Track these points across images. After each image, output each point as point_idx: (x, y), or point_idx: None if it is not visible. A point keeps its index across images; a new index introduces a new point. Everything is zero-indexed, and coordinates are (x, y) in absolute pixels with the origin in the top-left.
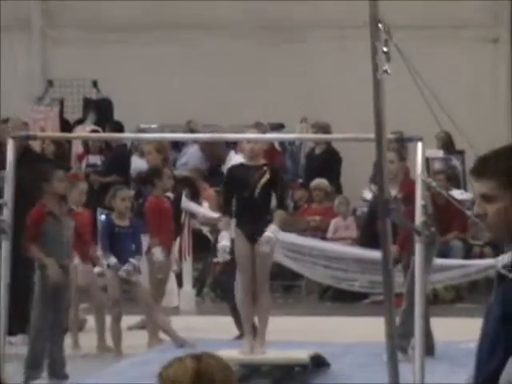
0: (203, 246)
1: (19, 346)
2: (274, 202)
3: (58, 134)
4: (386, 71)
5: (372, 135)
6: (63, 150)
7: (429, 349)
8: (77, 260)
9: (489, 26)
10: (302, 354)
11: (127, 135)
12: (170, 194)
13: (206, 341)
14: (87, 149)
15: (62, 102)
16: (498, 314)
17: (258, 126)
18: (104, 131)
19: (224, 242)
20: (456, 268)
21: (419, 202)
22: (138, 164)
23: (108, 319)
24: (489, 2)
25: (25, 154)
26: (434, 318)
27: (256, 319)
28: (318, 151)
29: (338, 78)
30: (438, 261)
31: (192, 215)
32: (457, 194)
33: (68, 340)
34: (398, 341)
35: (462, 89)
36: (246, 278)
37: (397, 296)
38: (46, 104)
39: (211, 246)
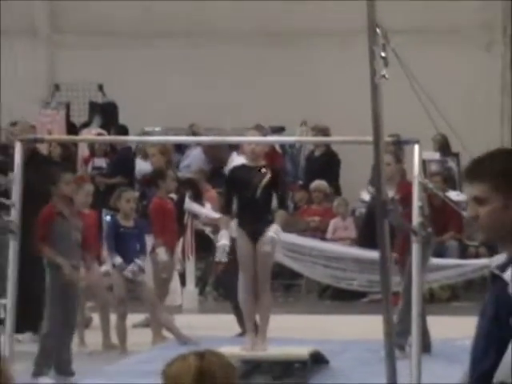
0: (206, 246)
1: (27, 343)
2: (274, 202)
3: (65, 137)
4: (383, 76)
5: (370, 138)
6: (69, 152)
7: (425, 346)
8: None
9: (483, 32)
10: (302, 351)
11: (132, 138)
12: (173, 196)
13: (208, 338)
14: (93, 152)
15: (68, 106)
16: (492, 314)
17: (259, 129)
18: (109, 134)
19: (223, 240)
20: (452, 267)
21: (416, 203)
22: (141, 166)
23: (113, 317)
24: (483, 8)
25: (32, 157)
26: (430, 317)
27: (257, 317)
28: (317, 153)
29: (337, 82)
30: (435, 260)
31: (195, 216)
32: (453, 195)
33: (74, 338)
34: (396, 338)
35: (458, 93)
36: (248, 277)
37: (393, 295)
38: (53, 108)
39: (213, 246)
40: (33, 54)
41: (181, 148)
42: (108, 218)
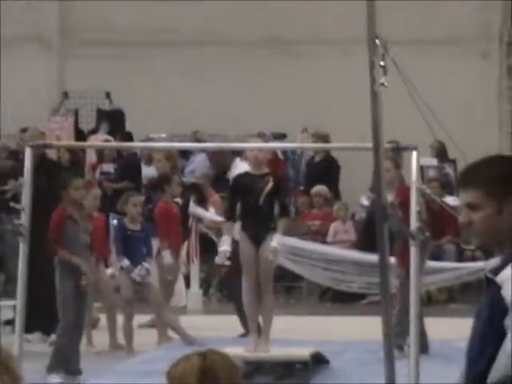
0: (210, 248)
1: (36, 343)
2: (277, 209)
3: (73, 143)
4: (382, 84)
5: (369, 144)
6: (78, 158)
7: (423, 347)
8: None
9: (480, 42)
10: (303, 352)
11: (139, 144)
12: (178, 200)
13: (212, 339)
14: (101, 157)
15: (76, 113)
16: (487, 316)
17: (262, 136)
18: (115, 141)
19: (225, 246)
20: (449, 270)
21: (414, 208)
22: (145, 171)
23: (120, 318)
24: (480, 16)
25: (41, 162)
26: (428, 318)
27: (260, 319)
28: (317, 159)
29: (338, 90)
30: (432, 263)
31: (199, 220)
32: (450, 200)
33: (82, 338)
34: (395, 339)
35: (455, 100)
36: (251, 279)
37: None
38: (62, 115)
39: (217, 249)
40: (43, 63)
41: (185, 154)
42: (115, 221)
